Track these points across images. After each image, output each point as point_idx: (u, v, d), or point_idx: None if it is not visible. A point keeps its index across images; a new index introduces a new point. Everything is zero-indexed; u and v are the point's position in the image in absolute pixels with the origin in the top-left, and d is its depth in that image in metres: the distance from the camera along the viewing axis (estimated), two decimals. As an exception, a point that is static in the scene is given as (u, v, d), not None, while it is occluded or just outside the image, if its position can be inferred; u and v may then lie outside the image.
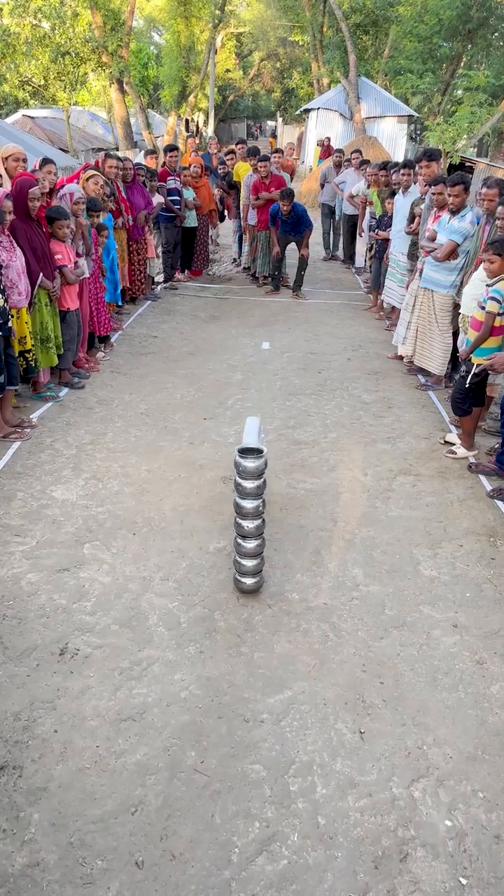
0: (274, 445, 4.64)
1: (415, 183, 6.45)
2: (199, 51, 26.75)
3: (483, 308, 4.15)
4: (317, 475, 4.27)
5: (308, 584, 3.24)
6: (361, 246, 9.93)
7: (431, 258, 5.40)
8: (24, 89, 23.85)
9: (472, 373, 4.29)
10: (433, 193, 5.50)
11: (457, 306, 5.22)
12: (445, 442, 4.77)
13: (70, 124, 21.50)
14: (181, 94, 26.41)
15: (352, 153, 10.36)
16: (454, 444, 4.67)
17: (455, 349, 5.45)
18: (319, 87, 25.17)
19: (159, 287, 8.75)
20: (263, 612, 3.03)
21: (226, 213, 10.33)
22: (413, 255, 6.34)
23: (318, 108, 21.61)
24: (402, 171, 6.63)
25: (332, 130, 20.72)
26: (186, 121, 27.12)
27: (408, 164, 6.64)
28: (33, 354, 4.79)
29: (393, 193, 7.18)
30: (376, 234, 7.58)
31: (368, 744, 2.40)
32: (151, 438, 4.67)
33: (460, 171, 6.40)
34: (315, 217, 9.51)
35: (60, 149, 18.40)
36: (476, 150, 22.28)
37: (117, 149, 22.04)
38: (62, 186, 5.43)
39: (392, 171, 7.25)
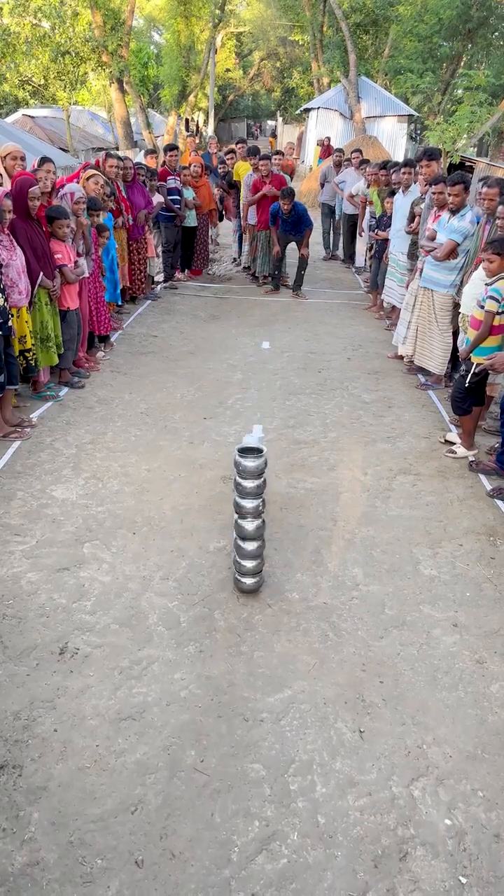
0: (274, 445, 4.64)
1: (415, 182, 6.45)
2: (199, 50, 26.75)
3: (482, 307, 4.15)
4: (317, 475, 4.27)
5: (308, 583, 3.25)
6: (361, 245, 9.93)
7: (431, 257, 5.40)
8: (24, 89, 23.83)
9: (471, 372, 4.29)
10: (433, 193, 5.49)
11: (457, 306, 5.22)
12: (445, 441, 4.77)
13: (70, 124, 21.49)
14: (181, 94, 26.41)
15: (352, 153, 10.36)
16: (454, 444, 4.67)
17: (455, 348, 5.45)
18: (319, 87, 25.15)
19: (159, 286, 8.75)
20: (263, 612, 3.03)
21: (224, 213, 10.33)
22: (413, 254, 6.34)
23: (318, 108, 21.60)
24: (402, 170, 6.62)
25: (332, 130, 20.71)
26: (186, 120, 27.10)
27: (408, 164, 6.64)
28: (33, 354, 4.79)
29: (392, 193, 7.18)
30: (376, 235, 7.58)
31: (368, 743, 2.40)
32: (151, 438, 4.67)
33: (460, 171, 6.40)
34: (315, 216, 9.51)
35: (60, 148, 18.39)
36: (476, 149, 22.29)
37: (117, 148, 22.04)
38: (62, 186, 5.43)
39: (392, 171, 7.24)
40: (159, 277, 8.75)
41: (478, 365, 4.24)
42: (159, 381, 5.75)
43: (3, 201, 4.20)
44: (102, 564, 3.30)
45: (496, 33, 23.51)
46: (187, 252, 9.29)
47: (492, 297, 4.07)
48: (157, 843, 2.04)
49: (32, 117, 20.87)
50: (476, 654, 2.85)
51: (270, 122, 44.15)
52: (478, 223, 5.09)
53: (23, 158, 5.01)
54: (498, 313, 4.09)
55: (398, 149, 20.93)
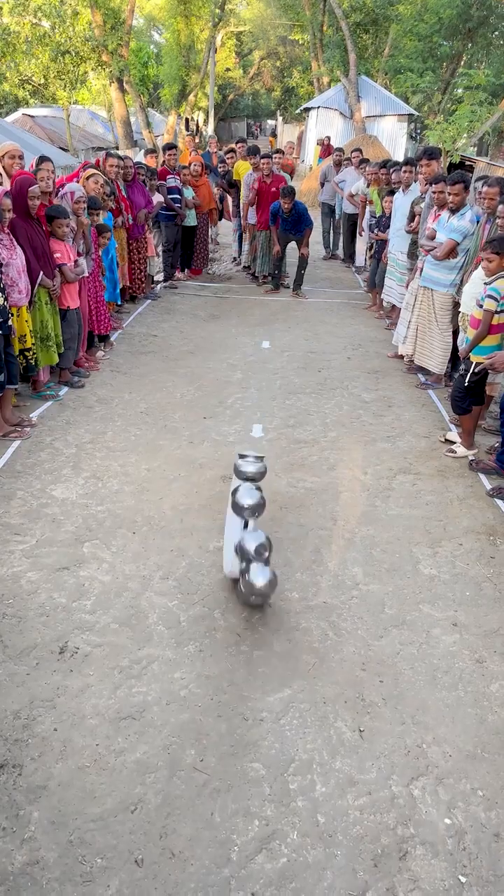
0: (274, 444, 4.65)
1: (415, 181, 6.44)
2: (199, 49, 26.72)
3: (481, 306, 4.15)
4: (317, 474, 4.27)
5: (308, 582, 3.25)
6: (361, 245, 9.93)
7: (431, 257, 5.40)
8: (24, 88, 23.85)
9: (471, 371, 4.29)
10: (433, 192, 5.49)
11: (457, 305, 5.22)
12: (445, 441, 4.77)
13: (70, 123, 21.49)
14: (181, 93, 26.38)
15: (352, 152, 10.36)
16: (454, 443, 4.67)
17: (455, 348, 5.45)
18: (319, 86, 25.14)
19: (159, 286, 8.75)
20: (263, 611, 3.03)
21: (223, 213, 10.33)
22: (413, 253, 6.34)
23: (318, 107, 21.60)
24: (403, 169, 6.62)
25: (332, 129, 20.70)
26: (186, 120, 27.09)
27: (409, 162, 6.63)
28: (33, 353, 4.79)
29: (391, 192, 7.18)
30: (376, 235, 7.58)
31: (368, 742, 2.40)
32: (151, 437, 4.67)
33: (460, 170, 6.40)
34: (315, 216, 9.51)
35: (60, 147, 18.40)
36: (476, 149, 22.28)
37: (117, 148, 22.03)
38: (62, 185, 5.44)
39: (392, 170, 7.24)
40: (159, 277, 8.75)
41: (477, 364, 4.24)
42: (159, 380, 5.75)
43: (3, 200, 4.19)
44: (102, 564, 3.30)
45: (496, 32, 23.50)
46: (187, 251, 9.29)
47: (490, 297, 4.07)
48: (156, 842, 2.04)
49: (32, 116, 20.88)
50: (476, 653, 2.85)
51: (270, 122, 44.16)
52: (477, 222, 5.09)
53: (21, 157, 5.00)
54: (497, 312, 4.09)
55: (398, 148, 20.93)
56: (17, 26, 19.40)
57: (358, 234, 9.91)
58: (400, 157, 16.77)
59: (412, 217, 6.32)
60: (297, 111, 28.49)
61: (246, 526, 2.99)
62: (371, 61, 23.64)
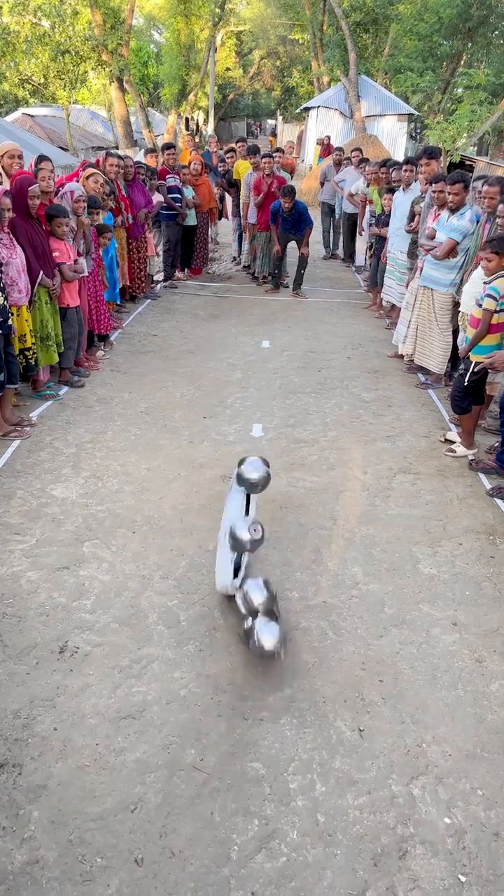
0: (273, 444, 4.65)
1: (415, 181, 6.44)
2: (199, 49, 26.72)
3: (480, 305, 4.15)
4: (316, 473, 4.27)
5: (307, 582, 3.25)
6: (361, 244, 9.93)
7: (431, 256, 5.40)
8: (23, 87, 23.85)
9: (470, 371, 4.29)
10: (433, 191, 5.49)
11: (457, 304, 5.22)
12: (445, 440, 4.77)
13: (70, 123, 21.49)
14: (181, 93, 26.37)
15: (352, 151, 10.36)
16: (454, 443, 4.67)
17: (455, 347, 5.45)
18: (319, 86, 25.14)
19: (159, 286, 8.75)
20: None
21: (222, 213, 10.33)
22: (413, 253, 6.34)
23: (318, 107, 21.59)
24: (404, 168, 6.62)
25: (332, 129, 20.70)
26: (186, 119, 27.09)
27: (409, 161, 6.63)
28: (33, 352, 4.79)
29: (390, 190, 7.17)
30: (379, 231, 7.57)
31: (368, 742, 2.40)
32: (151, 437, 4.67)
33: (460, 170, 6.40)
34: (315, 215, 9.51)
35: (60, 147, 18.40)
36: (476, 148, 22.27)
37: (117, 147, 22.03)
38: (62, 185, 5.44)
39: (392, 169, 7.24)
40: (159, 276, 8.75)
41: (477, 363, 4.24)
42: (159, 380, 5.75)
43: (3, 200, 4.19)
44: (102, 563, 3.30)
45: (496, 32, 23.50)
46: (187, 251, 9.29)
47: (489, 296, 4.07)
48: (156, 841, 2.04)
49: (32, 116, 20.88)
50: (475, 652, 2.85)
51: (270, 121, 44.16)
52: (477, 222, 5.09)
53: (20, 157, 5.00)
54: (496, 311, 4.09)
55: (398, 148, 20.93)
56: (17, 26, 19.40)
57: (358, 234, 9.91)
58: (400, 157, 16.77)
59: (412, 216, 6.32)
60: (297, 111, 28.50)
61: (243, 549, 2.89)
62: (371, 61, 23.64)
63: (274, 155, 8.83)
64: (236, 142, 10.27)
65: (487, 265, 4.11)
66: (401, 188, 6.74)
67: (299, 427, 4.93)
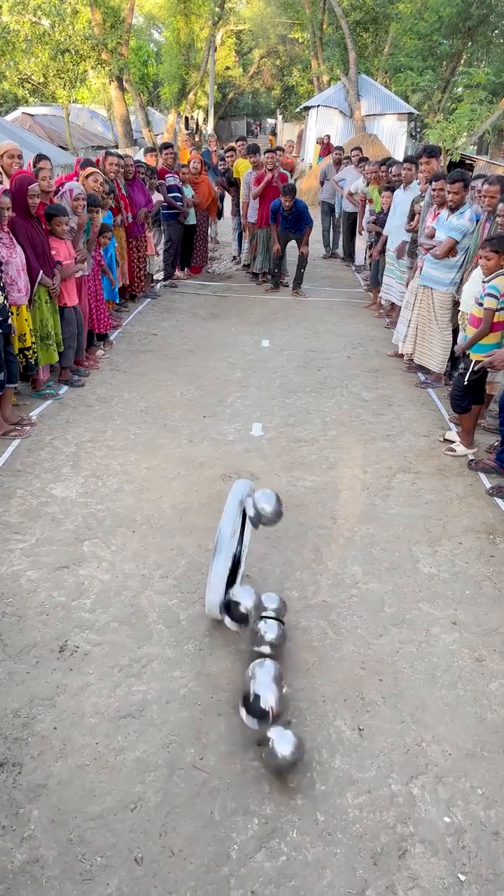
0: (273, 443, 4.65)
1: (416, 180, 6.44)
2: (198, 48, 26.69)
3: (481, 305, 4.15)
4: (316, 473, 4.27)
5: (307, 581, 3.25)
6: (361, 243, 9.92)
7: (430, 255, 5.40)
8: (23, 87, 23.82)
9: (470, 370, 4.29)
10: (433, 190, 5.49)
11: (456, 304, 5.21)
12: (445, 440, 4.77)
13: (70, 122, 21.47)
14: (181, 92, 26.34)
15: (351, 150, 10.35)
16: (454, 442, 4.67)
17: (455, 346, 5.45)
18: (319, 85, 25.11)
19: (159, 285, 8.74)
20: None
21: (221, 212, 10.32)
22: (413, 252, 6.33)
23: (318, 106, 21.56)
24: (404, 166, 6.61)
25: (332, 128, 20.67)
26: (186, 118, 27.06)
27: (410, 160, 6.63)
28: (33, 352, 4.79)
29: (389, 189, 7.17)
30: (372, 227, 7.57)
31: (367, 741, 2.40)
32: (151, 436, 4.67)
33: (460, 169, 6.39)
34: (315, 214, 9.50)
35: (60, 146, 18.40)
36: (476, 147, 22.26)
37: (117, 146, 22.02)
38: (62, 184, 5.44)
39: (392, 167, 7.24)
40: (159, 276, 8.74)
41: (477, 362, 4.24)
42: (159, 379, 5.75)
43: (2, 199, 4.19)
44: (102, 563, 3.30)
45: (496, 31, 23.46)
46: (186, 250, 9.28)
47: (490, 295, 4.07)
48: (156, 840, 2.04)
49: (32, 115, 20.87)
50: (475, 651, 2.85)
51: (270, 120, 44.13)
52: (477, 221, 5.09)
53: (20, 157, 4.99)
54: (497, 310, 4.08)
55: (398, 147, 20.89)
56: (17, 25, 19.38)
57: (357, 233, 9.90)
58: (400, 156, 16.76)
59: (412, 216, 6.31)
60: (297, 110, 28.47)
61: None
62: (371, 60, 23.61)
63: (276, 152, 8.83)
64: (236, 140, 10.26)
65: (486, 263, 4.11)
66: (401, 187, 6.73)
67: (299, 426, 4.93)
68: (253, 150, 9.07)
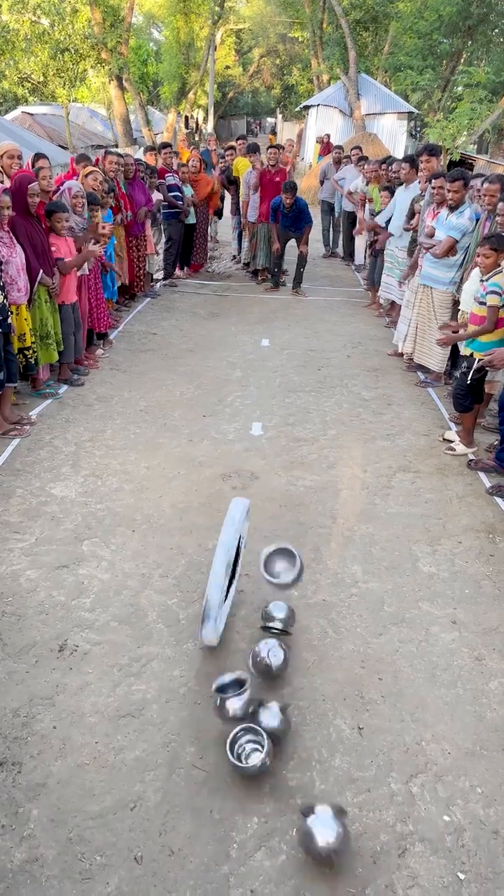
0: (273, 442, 4.65)
1: (416, 180, 6.43)
2: (198, 47, 26.68)
3: (482, 303, 4.14)
4: (316, 472, 4.27)
5: (307, 580, 3.24)
6: (361, 243, 9.92)
7: (430, 254, 5.39)
8: (23, 86, 23.79)
9: (472, 369, 4.28)
10: (433, 188, 5.48)
11: (456, 303, 5.21)
12: (445, 439, 4.77)
13: (69, 121, 21.45)
14: (181, 91, 26.33)
15: (351, 150, 10.34)
16: (453, 441, 4.67)
17: (455, 346, 5.44)
18: (319, 84, 25.09)
19: (158, 284, 8.74)
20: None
21: (221, 212, 10.32)
22: (412, 251, 6.33)
23: (318, 105, 21.55)
24: (403, 165, 6.60)
25: (332, 127, 20.65)
26: (186, 117, 27.05)
27: (409, 159, 6.62)
28: (33, 351, 4.78)
29: (388, 188, 7.16)
30: (371, 224, 7.57)
31: (367, 739, 2.40)
32: (151, 435, 4.67)
33: (460, 168, 6.39)
34: (315, 214, 9.50)
35: (60, 145, 18.39)
36: (476, 146, 22.24)
37: (116, 145, 22.00)
38: (61, 184, 5.43)
39: (391, 165, 7.23)
40: (159, 275, 8.74)
41: (479, 360, 4.23)
42: (159, 378, 5.74)
43: (2, 198, 4.19)
44: (102, 562, 3.30)
45: (496, 30, 23.44)
46: (186, 248, 9.28)
47: (493, 292, 4.06)
48: (156, 839, 2.04)
49: (31, 114, 20.84)
50: (475, 650, 2.85)
51: (270, 120, 44.08)
52: (477, 220, 5.09)
53: (20, 157, 4.99)
54: (501, 307, 4.08)
55: (398, 146, 20.88)
56: (17, 24, 19.36)
57: (355, 234, 9.88)
58: (400, 155, 16.74)
59: (412, 215, 6.31)
60: (297, 109, 28.45)
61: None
62: (371, 59, 23.59)
63: (278, 149, 8.83)
64: (237, 139, 10.25)
65: (484, 262, 4.11)
66: (403, 185, 6.72)
67: (299, 425, 4.93)
68: (253, 150, 9.06)
